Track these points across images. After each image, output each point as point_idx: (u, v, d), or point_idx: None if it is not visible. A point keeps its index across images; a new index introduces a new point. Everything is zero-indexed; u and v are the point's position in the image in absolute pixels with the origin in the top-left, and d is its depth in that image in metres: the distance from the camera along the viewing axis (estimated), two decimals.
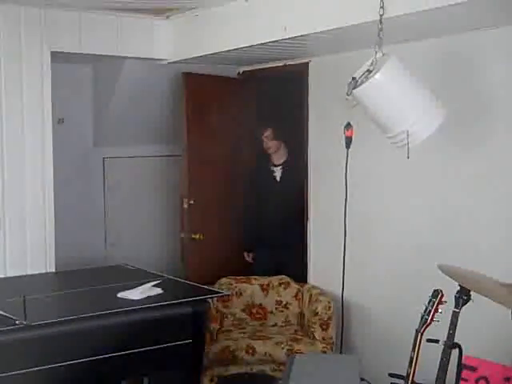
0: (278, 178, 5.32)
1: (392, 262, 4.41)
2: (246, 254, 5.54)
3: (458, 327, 2.93)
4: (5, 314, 3.26)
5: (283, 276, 5.10)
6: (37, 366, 3.17)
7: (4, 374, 3.07)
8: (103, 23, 4.67)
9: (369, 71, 3.24)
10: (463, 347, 2.97)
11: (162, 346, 3.56)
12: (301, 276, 5.12)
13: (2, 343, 3.09)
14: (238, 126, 5.52)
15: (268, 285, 5.05)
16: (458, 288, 2.93)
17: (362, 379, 2.87)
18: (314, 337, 4.55)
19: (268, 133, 5.26)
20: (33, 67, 4.42)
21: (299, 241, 5.15)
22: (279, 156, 5.34)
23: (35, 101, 4.46)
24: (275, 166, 5.35)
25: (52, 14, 4.43)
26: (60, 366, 3.23)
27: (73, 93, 5.47)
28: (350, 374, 2.88)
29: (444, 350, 2.95)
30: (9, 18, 4.29)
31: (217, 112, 5.35)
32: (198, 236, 5.21)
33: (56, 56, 4.51)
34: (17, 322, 3.14)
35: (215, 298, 4.65)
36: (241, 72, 5.63)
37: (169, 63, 5.06)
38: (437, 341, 2.93)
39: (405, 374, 2.83)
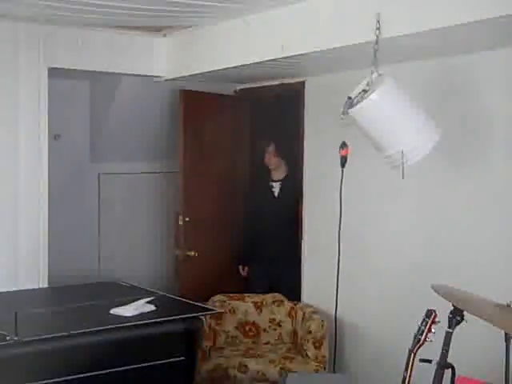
0: (276, 194, 5.33)
1: (386, 281, 4.41)
2: (240, 268, 5.53)
3: (451, 347, 2.92)
4: None
5: (276, 294, 5.09)
6: (28, 383, 3.15)
7: None
8: (101, 40, 4.70)
9: (364, 91, 3.26)
10: (456, 367, 2.96)
11: (154, 362, 3.55)
12: (296, 292, 5.11)
13: None
14: (234, 143, 5.54)
15: (261, 303, 5.04)
16: (452, 308, 2.93)
17: None
18: (307, 355, 4.53)
19: (271, 148, 5.29)
20: (30, 83, 4.43)
21: (295, 257, 5.14)
22: (279, 172, 5.38)
23: (32, 116, 4.47)
24: (274, 181, 5.36)
25: (50, 30, 4.45)
26: (52, 382, 3.21)
27: (69, 108, 5.48)
28: None
29: (437, 370, 2.93)
30: (7, 34, 4.31)
31: (213, 129, 5.36)
32: (192, 253, 5.20)
33: (53, 71, 4.53)
34: (8, 337, 3.13)
35: (208, 316, 4.63)
36: (237, 90, 5.65)
37: (166, 80, 5.08)
38: (430, 361, 2.91)
39: None
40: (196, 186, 5.23)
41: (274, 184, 5.37)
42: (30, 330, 3.29)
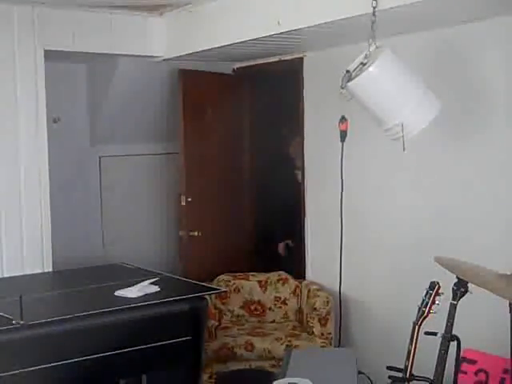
0: (299, 180, 5.28)
1: (389, 256, 4.41)
2: (281, 246, 5.60)
3: (456, 320, 2.92)
4: (1, 313, 3.24)
5: (281, 272, 5.09)
6: (34, 366, 3.15)
7: (1, 374, 3.05)
8: (96, 21, 4.65)
9: (363, 64, 3.24)
10: (462, 340, 2.96)
11: (160, 343, 3.54)
12: None
13: None
14: (234, 122, 5.51)
15: (266, 281, 5.04)
16: (456, 280, 2.92)
17: (360, 372, 2.87)
18: (312, 332, 4.54)
19: (297, 140, 5.21)
20: (26, 66, 4.40)
21: None
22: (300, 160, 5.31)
23: (29, 100, 4.44)
24: (298, 169, 5.32)
25: (45, 12, 4.41)
26: (57, 365, 3.21)
27: (68, 92, 5.44)
28: (347, 367, 2.87)
29: (442, 342, 2.94)
30: (1, 17, 4.26)
31: (213, 108, 5.33)
32: (196, 233, 5.20)
33: (50, 55, 4.49)
34: (13, 321, 3.13)
35: (213, 295, 4.64)
36: (236, 68, 5.61)
37: (163, 60, 5.04)
38: (435, 333, 2.92)
39: (403, 367, 2.82)
40: (197, 166, 5.20)
41: (297, 172, 5.35)
42: (35, 313, 3.30)
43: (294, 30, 3.89)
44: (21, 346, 3.15)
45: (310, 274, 5.09)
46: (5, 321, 3.16)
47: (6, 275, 4.31)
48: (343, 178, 4.21)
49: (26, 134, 4.44)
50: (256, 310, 5.01)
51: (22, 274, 4.36)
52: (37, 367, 3.16)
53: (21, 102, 4.40)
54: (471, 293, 2.90)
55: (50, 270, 4.51)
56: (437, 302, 2.82)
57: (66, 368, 3.24)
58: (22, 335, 3.14)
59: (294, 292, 4.98)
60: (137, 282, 3.78)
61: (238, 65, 5.57)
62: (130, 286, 3.73)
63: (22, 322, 3.12)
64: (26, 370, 3.13)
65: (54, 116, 5.15)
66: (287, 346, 4.41)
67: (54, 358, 3.21)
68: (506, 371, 3.26)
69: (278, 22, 3.90)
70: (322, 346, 4.45)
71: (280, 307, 4.99)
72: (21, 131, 4.42)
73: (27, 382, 3.16)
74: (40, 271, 4.45)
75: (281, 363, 4.11)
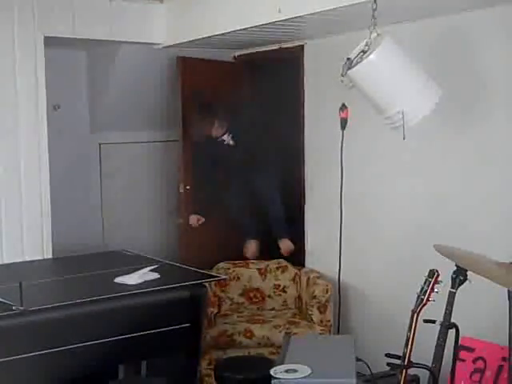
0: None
1: (389, 244, 4.41)
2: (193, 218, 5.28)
3: (454, 308, 2.93)
4: (1, 299, 3.25)
5: (281, 260, 5.10)
6: (34, 352, 3.16)
7: (1, 360, 3.06)
8: (97, 7, 4.63)
9: (363, 52, 3.23)
10: (460, 328, 2.97)
11: (159, 330, 3.55)
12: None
13: None
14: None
15: (266, 269, 5.05)
16: (455, 268, 2.93)
17: (359, 359, 2.88)
18: (311, 320, 4.55)
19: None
20: (26, 53, 4.38)
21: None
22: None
23: (29, 87, 4.43)
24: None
25: None
26: (57, 351, 3.22)
27: (68, 79, 5.43)
28: (346, 354, 2.88)
29: (441, 330, 2.95)
30: (1, 3, 4.24)
31: (212, 96, 5.31)
32: None
33: (50, 41, 4.48)
34: (13, 307, 3.14)
35: (213, 283, 4.65)
36: (236, 56, 5.60)
37: (164, 47, 5.03)
38: (433, 321, 2.93)
39: (401, 355, 2.83)
40: (196, 154, 5.19)
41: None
42: (35, 299, 3.31)
43: (295, 17, 3.88)
44: (21, 331, 3.16)
45: (310, 261, 5.10)
46: (5, 307, 3.16)
47: (6, 262, 4.32)
48: (343, 165, 4.20)
49: (26, 121, 4.43)
50: (255, 297, 5.02)
51: (21, 260, 4.36)
52: (37, 353, 3.17)
53: (21, 89, 4.39)
54: (470, 281, 2.91)
55: (50, 256, 4.51)
56: (436, 290, 2.83)
57: (66, 354, 3.25)
58: (22, 321, 3.15)
59: (294, 280, 5.00)
60: (136, 269, 3.79)
61: (238, 52, 5.55)
62: (129, 273, 3.73)
63: (22, 308, 3.13)
64: (26, 355, 3.14)
65: (54, 103, 5.15)
66: (286, 333, 4.43)
67: (53, 344, 3.22)
68: (503, 359, 3.28)
69: (279, 10, 3.89)
70: (321, 334, 4.46)
71: (279, 295, 5.01)
72: (21, 118, 4.41)
73: (27, 367, 3.17)
74: (40, 258, 4.45)
75: (280, 350, 4.14)
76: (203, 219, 5.15)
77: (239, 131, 5.05)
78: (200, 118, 4.98)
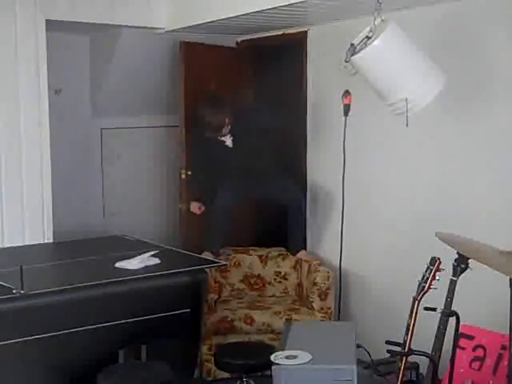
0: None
1: (390, 231, 4.41)
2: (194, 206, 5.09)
3: (455, 295, 2.92)
4: (2, 283, 3.25)
5: (281, 248, 5.10)
6: (34, 335, 3.18)
7: (1, 343, 3.07)
8: None
9: (368, 37, 3.22)
10: (461, 315, 2.96)
11: (160, 315, 3.56)
12: None
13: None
14: (236, 96, 5.47)
15: (267, 256, 5.05)
16: (456, 256, 2.92)
17: (359, 346, 2.88)
18: (312, 307, 4.56)
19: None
20: (27, 36, 4.36)
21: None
22: None
23: (31, 71, 4.41)
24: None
25: None
26: (57, 335, 3.24)
27: (70, 63, 5.40)
28: (346, 340, 2.88)
29: (441, 318, 2.94)
30: None
31: (215, 81, 5.29)
32: None
33: (51, 25, 4.46)
34: (14, 291, 3.14)
35: (214, 269, 4.65)
36: (239, 41, 5.57)
37: (166, 32, 5.00)
38: (434, 309, 2.92)
39: (402, 342, 2.83)
40: (197, 140, 5.16)
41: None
42: (35, 283, 3.31)
43: (299, 2, 3.84)
44: (21, 315, 3.17)
45: (310, 248, 5.10)
46: (5, 290, 3.17)
47: (6, 245, 4.32)
48: (345, 152, 4.18)
49: (27, 106, 4.42)
50: (256, 284, 5.02)
51: (22, 244, 4.37)
52: (36, 336, 3.19)
53: (22, 73, 4.38)
54: (471, 269, 2.90)
55: (51, 240, 4.52)
56: (437, 278, 2.82)
57: (66, 338, 3.27)
58: (23, 304, 3.16)
59: (294, 267, 4.99)
60: (137, 254, 3.79)
61: (241, 38, 5.52)
62: (130, 258, 3.74)
63: (22, 292, 3.13)
64: (26, 338, 3.15)
65: (56, 88, 5.13)
66: (286, 319, 4.43)
67: (53, 328, 3.24)
68: (503, 347, 3.28)
69: None
70: (322, 320, 4.46)
71: (280, 282, 5.01)
72: (22, 102, 4.40)
73: (27, 351, 3.19)
74: (41, 242, 4.45)
75: (280, 337, 4.14)
76: (203, 208, 5.07)
77: (240, 132, 4.85)
78: (212, 113, 4.68)
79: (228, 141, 4.82)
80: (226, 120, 4.67)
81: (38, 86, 4.44)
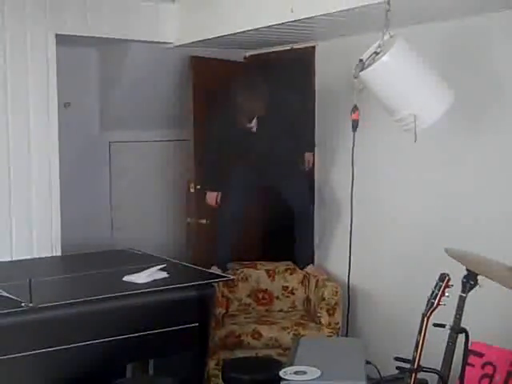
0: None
1: (399, 246, 4.39)
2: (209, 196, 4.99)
3: (464, 312, 2.91)
4: (11, 296, 3.26)
5: (289, 262, 5.09)
6: (42, 349, 3.16)
7: (9, 356, 3.07)
8: (109, 6, 4.63)
9: (376, 53, 3.22)
10: (470, 332, 2.95)
11: (167, 329, 3.55)
12: None
13: (8, 325, 3.09)
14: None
15: (274, 270, 5.04)
16: (466, 273, 2.91)
17: (368, 362, 2.86)
18: (320, 322, 4.53)
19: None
20: (37, 50, 4.38)
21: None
22: None
23: (40, 85, 4.43)
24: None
25: None
26: (65, 348, 3.23)
27: (79, 77, 5.43)
28: (355, 356, 2.87)
29: (450, 334, 2.93)
30: (13, 1, 4.25)
31: (223, 96, 5.30)
32: (204, 221, 5.19)
33: (61, 39, 4.48)
34: (22, 304, 3.14)
35: (221, 283, 4.65)
36: (247, 56, 5.59)
37: (175, 47, 5.03)
38: (443, 325, 2.91)
39: (411, 358, 2.82)
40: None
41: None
42: (44, 296, 3.30)
43: (307, 18, 3.86)
44: (29, 328, 3.16)
45: (318, 263, 5.09)
46: (14, 303, 3.16)
47: (15, 258, 4.33)
48: (354, 167, 4.18)
49: (36, 119, 4.43)
50: (263, 298, 5.01)
51: (31, 257, 4.37)
52: (44, 350, 3.17)
53: (32, 86, 4.39)
54: (481, 286, 2.89)
55: (59, 254, 4.52)
56: (446, 294, 2.81)
57: (74, 351, 3.25)
58: (31, 318, 3.15)
59: (302, 282, 4.98)
60: (145, 268, 3.79)
61: (249, 52, 5.55)
62: (138, 272, 3.73)
63: (30, 305, 3.13)
64: (34, 352, 3.14)
65: (65, 101, 5.15)
66: (294, 334, 4.42)
67: (61, 342, 3.22)
68: None
69: (291, 10, 3.88)
70: (330, 336, 4.45)
71: (288, 296, 5.00)
72: (31, 116, 4.41)
73: (35, 364, 3.18)
74: (49, 255, 4.46)
75: (287, 352, 4.13)
76: (219, 198, 4.92)
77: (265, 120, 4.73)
78: (249, 94, 4.50)
79: (254, 127, 4.70)
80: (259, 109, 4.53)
81: (47, 99, 4.46)
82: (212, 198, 4.97)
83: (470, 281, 2.88)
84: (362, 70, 3.23)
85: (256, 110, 4.55)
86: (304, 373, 2.72)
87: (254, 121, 4.66)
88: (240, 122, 4.60)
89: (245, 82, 4.60)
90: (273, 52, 5.31)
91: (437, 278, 2.87)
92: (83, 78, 5.52)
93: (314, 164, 5.07)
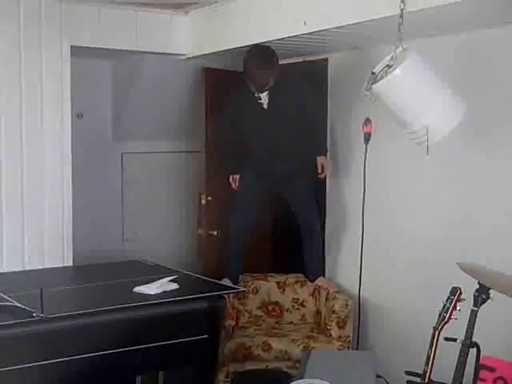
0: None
1: (411, 260, 4.37)
2: (231, 178, 4.98)
3: (476, 326, 2.89)
4: (22, 306, 3.26)
5: (299, 274, 5.08)
6: (52, 359, 3.17)
7: (20, 366, 3.07)
8: (123, 18, 4.68)
9: (388, 66, 3.22)
10: (481, 346, 2.93)
11: (177, 341, 3.55)
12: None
13: (19, 335, 3.10)
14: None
15: (284, 282, 5.03)
16: (477, 286, 2.89)
17: (378, 376, 2.85)
18: (330, 335, 4.52)
19: None
20: (52, 61, 4.42)
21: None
22: None
23: (54, 95, 4.46)
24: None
25: (72, 8, 4.44)
26: (76, 359, 3.23)
27: (92, 88, 5.48)
28: (365, 369, 2.86)
29: (462, 349, 2.91)
30: (28, 11, 4.30)
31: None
32: (215, 232, 5.20)
33: (75, 50, 4.52)
34: (34, 314, 3.15)
35: (231, 295, 4.64)
36: None
37: (188, 58, 5.06)
38: (455, 339, 2.89)
39: (421, 372, 2.80)
40: (218, 165, 5.20)
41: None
42: (55, 307, 3.31)
43: (320, 30, 3.88)
44: (40, 338, 3.17)
45: (329, 275, 5.08)
46: (25, 313, 3.17)
47: (27, 268, 4.34)
48: (366, 179, 4.18)
49: (50, 129, 4.46)
50: (274, 310, 5.00)
51: (42, 267, 4.39)
52: (55, 360, 3.18)
53: (46, 97, 4.43)
54: (492, 299, 2.87)
55: (71, 264, 4.54)
56: (458, 308, 2.80)
57: (84, 362, 3.26)
58: (42, 328, 3.16)
59: (313, 294, 4.97)
60: (156, 279, 3.79)
61: None
62: (149, 283, 3.73)
63: (42, 315, 3.14)
64: (44, 362, 3.15)
65: (78, 112, 5.19)
66: (304, 347, 4.40)
67: (72, 352, 3.23)
68: None
69: (304, 23, 3.89)
70: (340, 349, 4.43)
71: (298, 309, 4.98)
72: (45, 126, 4.44)
73: (46, 374, 3.18)
74: (60, 265, 4.47)
75: (297, 364, 4.11)
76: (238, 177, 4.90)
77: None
78: (261, 64, 4.47)
79: (264, 100, 4.66)
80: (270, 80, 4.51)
81: (61, 110, 4.49)
82: (235, 179, 4.94)
83: (481, 295, 2.87)
84: (374, 82, 3.24)
85: (267, 77, 4.50)
86: None
87: (265, 95, 4.62)
88: (252, 90, 4.57)
89: (256, 51, 4.51)
90: (286, 64, 5.31)
91: (448, 291, 2.86)
92: (96, 89, 5.57)
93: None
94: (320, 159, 4.79)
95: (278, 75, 4.56)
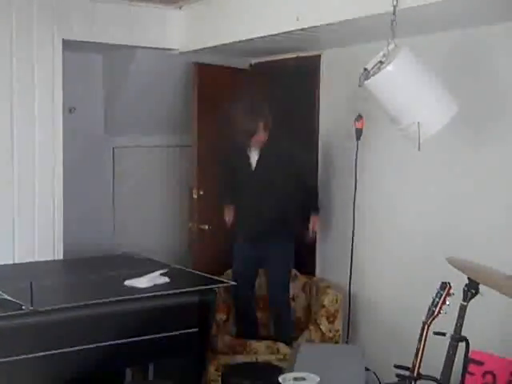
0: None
1: (401, 255, 4.39)
2: (225, 212, 4.89)
3: (465, 321, 2.92)
4: (12, 299, 3.27)
5: (292, 269, 5.08)
6: (42, 352, 3.18)
7: (9, 359, 3.08)
8: (115, 12, 4.68)
9: (381, 62, 3.24)
10: (470, 341, 2.95)
11: (167, 334, 3.56)
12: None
13: (8, 328, 3.10)
14: None
15: None
16: (467, 281, 2.91)
17: (368, 369, 2.87)
18: (320, 329, 4.54)
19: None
20: (44, 55, 4.41)
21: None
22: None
23: (46, 89, 4.46)
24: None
25: (64, 2, 4.44)
26: (65, 352, 3.24)
27: (84, 82, 5.46)
28: (354, 363, 2.88)
29: (451, 343, 2.93)
30: (21, 5, 4.29)
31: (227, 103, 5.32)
32: (206, 227, 5.21)
33: (68, 44, 4.51)
34: (23, 307, 3.15)
35: (222, 289, 4.65)
36: (253, 63, 5.61)
37: (180, 53, 5.06)
38: (444, 334, 2.91)
39: (410, 366, 2.82)
40: (210, 160, 5.21)
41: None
42: (44, 300, 3.31)
43: (313, 26, 3.88)
44: (30, 331, 3.18)
45: (319, 270, 5.10)
46: (15, 306, 3.18)
47: (17, 261, 4.34)
48: (357, 175, 4.19)
49: (41, 123, 4.46)
50: (264, 305, 5.01)
51: (33, 260, 4.38)
52: (44, 353, 3.19)
53: (37, 90, 4.42)
54: (482, 295, 2.89)
55: (61, 257, 4.53)
56: (447, 303, 2.82)
57: (74, 355, 3.27)
58: (32, 321, 3.17)
59: (303, 288, 4.98)
60: (147, 273, 3.79)
61: (254, 60, 5.57)
62: (139, 276, 3.74)
63: (31, 308, 3.14)
64: (33, 355, 3.15)
65: (70, 106, 5.18)
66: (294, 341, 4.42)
67: (61, 345, 3.24)
68: None
69: (297, 18, 3.90)
70: (329, 343, 4.45)
71: None
72: (36, 120, 4.44)
73: (36, 367, 3.19)
74: (51, 259, 4.47)
75: (287, 358, 4.13)
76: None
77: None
78: (247, 118, 4.46)
79: (253, 159, 4.65)
80: (261, 126, 4.45)
81: (52, 104, 4.48)
82: (229, 214, 4.88)
83: (471, 289, 2.89)
84: (366, 78, 3.25)
85: (256, 122, 4.47)
86: (303, 379, 2.73)
87: (255, 154, 4.59)
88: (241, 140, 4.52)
89: (242, 99, 4.55)
90: (278, 60, 5.33)
91: (438, 286, 2.88)
92: (88, 83, 5.54)
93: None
94: (312, 219, 4.75)
95: (268, 127, 4.50)
